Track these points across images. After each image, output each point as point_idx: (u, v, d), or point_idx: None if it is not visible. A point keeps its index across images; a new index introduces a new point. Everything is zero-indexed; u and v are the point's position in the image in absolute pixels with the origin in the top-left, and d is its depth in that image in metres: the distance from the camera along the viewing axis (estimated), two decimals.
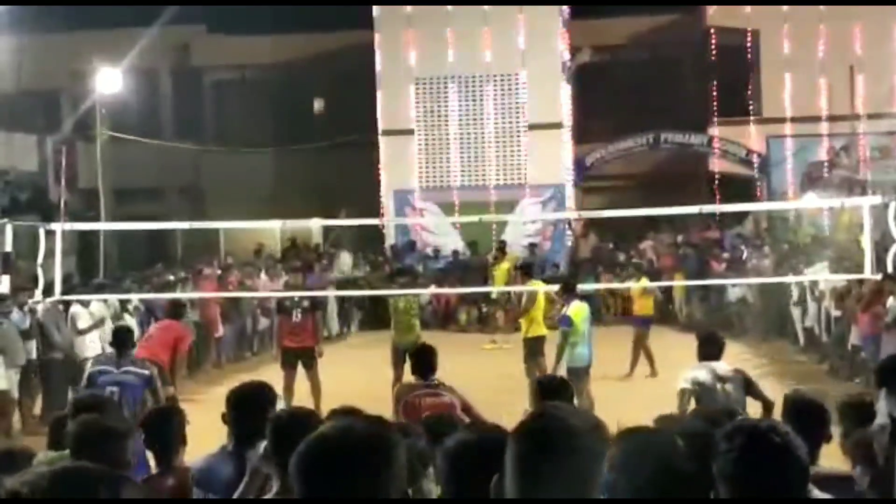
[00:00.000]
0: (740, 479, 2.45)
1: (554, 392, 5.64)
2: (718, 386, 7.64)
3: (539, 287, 13.59)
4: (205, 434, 4.72)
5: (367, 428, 2.13)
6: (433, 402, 7.21)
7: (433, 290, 20.64)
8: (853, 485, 4.13)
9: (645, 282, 16.87)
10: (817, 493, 3.19)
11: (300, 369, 12.87)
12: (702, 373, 7.75)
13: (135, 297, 16.14)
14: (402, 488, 2.14)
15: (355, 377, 14.39)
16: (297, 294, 13.63)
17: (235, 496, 4.04)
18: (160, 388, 8.76)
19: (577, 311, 11.86)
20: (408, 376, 8.73)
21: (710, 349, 7.94)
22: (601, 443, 2.13)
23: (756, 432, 2.51)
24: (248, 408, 4.40)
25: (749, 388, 7.74)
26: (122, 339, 9.24)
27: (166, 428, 5.00)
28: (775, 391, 7.54)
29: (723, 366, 7.88)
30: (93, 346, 13.86)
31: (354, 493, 2.03)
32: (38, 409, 13.39)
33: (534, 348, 12.87)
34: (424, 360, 7.63)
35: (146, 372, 8.72)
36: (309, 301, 13.29)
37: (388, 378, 12.35)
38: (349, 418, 2.20)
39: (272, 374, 14.23)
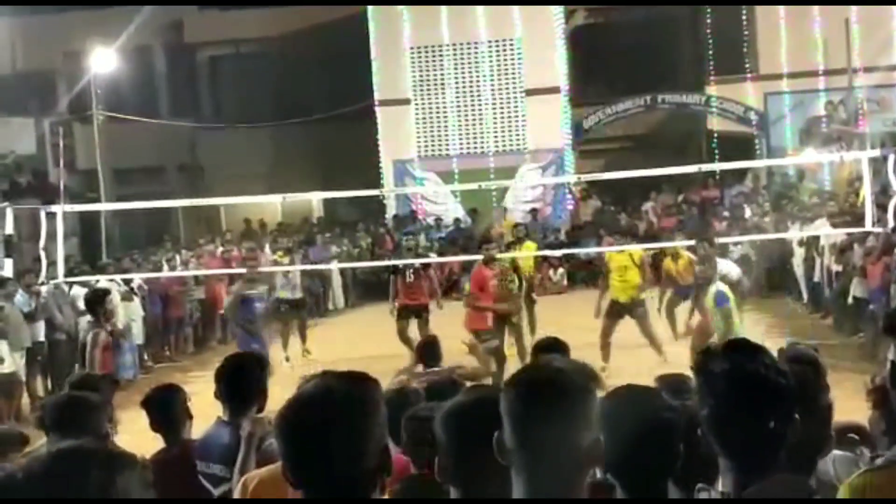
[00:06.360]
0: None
1: (549, 350, 5.82)
2: None
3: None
4: (212, 408, 4.81)
5: (346, 383, 2.19)
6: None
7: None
8: (866, 435, 4.18)
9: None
10: (836, 453, 3.22)
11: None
12: None
13: (137, 277, 16.18)
14: (383, 440, 2.19)
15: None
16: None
17: (237, 465, 4.24)
18: None
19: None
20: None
21: None
22: (590, 381, 2.14)
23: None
24: (237, 378, 4.64)
25: None
26: None
27: (169, 405, 5.19)
28: (778, 347, 7.51)
29: None
30: None
31: (338, 446, 2.09)
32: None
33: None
34: (429, 350, 8.28)
35: None
36: (420, 264, 14.72)
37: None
38: (328, 377, 2.22)
39: (275, 348, 14.36)
